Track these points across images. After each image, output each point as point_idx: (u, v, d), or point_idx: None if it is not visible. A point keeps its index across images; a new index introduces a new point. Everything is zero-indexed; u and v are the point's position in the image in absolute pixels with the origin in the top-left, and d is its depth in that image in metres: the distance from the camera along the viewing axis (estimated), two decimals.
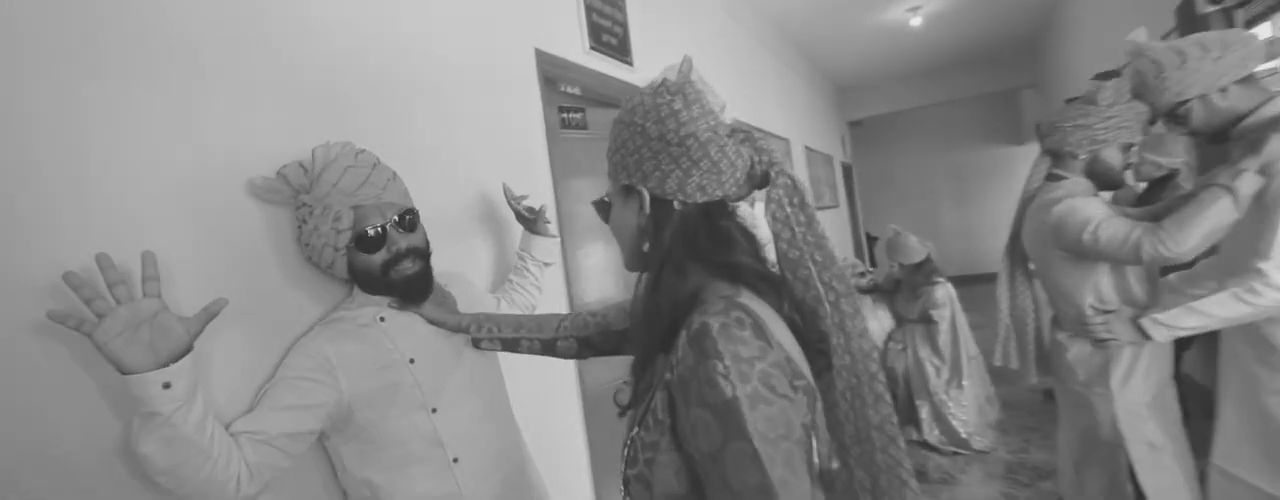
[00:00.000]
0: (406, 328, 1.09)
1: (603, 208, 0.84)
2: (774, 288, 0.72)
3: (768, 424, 0.59)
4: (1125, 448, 1.50)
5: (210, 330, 0.93)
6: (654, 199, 0.74)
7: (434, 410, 1.06)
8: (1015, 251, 1.77)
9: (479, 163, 1.58)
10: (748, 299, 0.68)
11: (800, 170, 5.04)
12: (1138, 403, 1.51)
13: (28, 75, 0.81)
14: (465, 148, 1.54)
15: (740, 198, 0.77)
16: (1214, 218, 1.30)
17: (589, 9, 2.16)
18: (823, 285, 0.72)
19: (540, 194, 1.78)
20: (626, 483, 0.71)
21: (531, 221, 1.47)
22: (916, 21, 5.08)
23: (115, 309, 0.75)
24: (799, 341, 0.70)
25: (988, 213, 8.72)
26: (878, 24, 5.22)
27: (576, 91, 2.19)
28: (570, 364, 1.87)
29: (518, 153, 1.74)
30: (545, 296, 1.73)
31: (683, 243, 0.73)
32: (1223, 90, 1.37)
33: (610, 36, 2.29)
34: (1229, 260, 1.40)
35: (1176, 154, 2.50)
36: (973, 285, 7.22)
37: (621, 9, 2.40)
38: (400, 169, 1.16)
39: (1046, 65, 6.33)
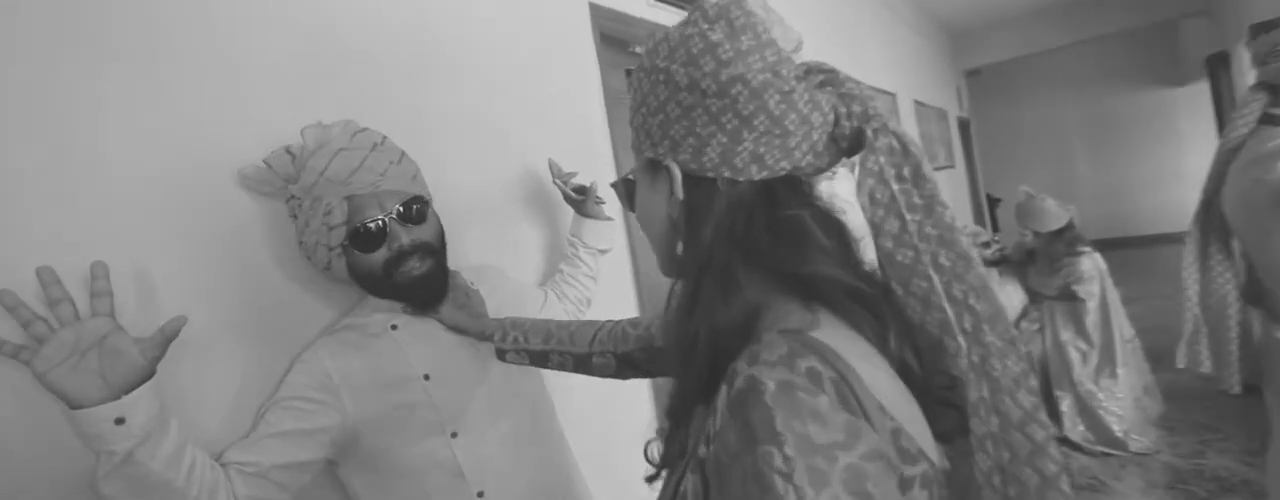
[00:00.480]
0: (423, 337, 0.92)
1: (625, 190, 0.61)
2: (874, 311, 0.46)
3: None
4: None
5: (206, 343, 0.80)
6: (687, 177, 0.50)
7: (454, 435, 0.89)
8: (1209, 220, 1.35)
9: (527, 136, 1.38)
10: (828, 332, 0.42)
11: (911, 126, 4.50)
12: None
13: None
14: (511, 119, 1.34)
15: (819, 171, 0.51)
16: None
17: None
18: (952, 304, 0.45)
19: (600, 170, 1.56)
20: None
21: (580, 202, 1.26)
22: None
23: (57, 332, 0.62)
24: (914, 393, 0.44)
25: (1137, 167, 7.58)
26: None
27: (641, 52, 1.94)
28: (644, 383, 1.66)
29: (572, 123, 1.52)
30: (610, 293, 1.53)
31: (730, 241, 0.48)
32: None
33: None
34: None
35: None
36: (1119, 250, 6.32)
37: None
38: (433, 144, 0.99)
39: None
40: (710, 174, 0.48)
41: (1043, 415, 0.45)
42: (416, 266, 0.88)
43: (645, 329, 0.82)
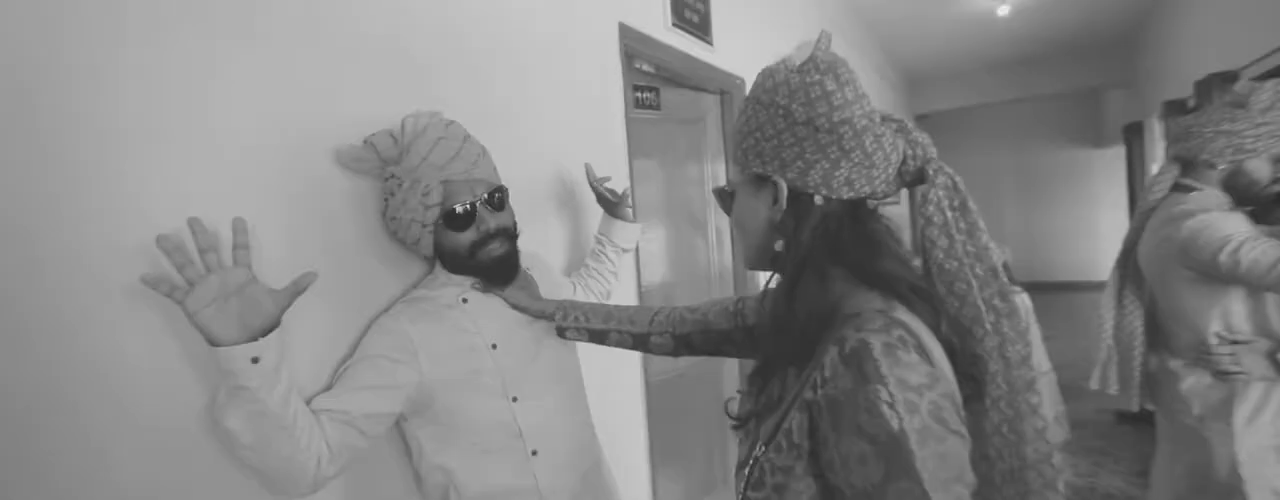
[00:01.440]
0: (489, 311, 1.04)
1: (725, 197, 0.76)
2: (930, 303, 0.63)
3: (939, 463, 0.51)
4: (1244, 493, 1.36)
5: (295, 304, 0.90)
6: (793, 192, 0.65)
7: (515, 399, 1.01)
8: (1127, 267, 1.62)
9: (560, 139, 1.51)
10: (904, 315, 0.59)
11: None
12: (1265, 446, 1.36)
13: (115, 36, 0.77)
14: (545, 122, 1.47)
15: (887, 196, 0.68)
16: None
17: None
18: (984, 303, 0.63)
19: (617, 175, 1.71)
20: (745, 494, 0.65)
21: (615, 205, 1.40)
22: (1004, 10, 4.78)
23: (206, 277, 0.72)
24: (952, 366, 0.62)
25: (1057, 219, 8.29)
26: (961, 12, 4.93)
27: (650, 70, 2.10)
28: (634, 356, 1.81)
29: (597, 130, 1.67)
30: (619, 291, 1.67)
31: (825, 244, 0.64)
32: None
33: (692, 13, 2.19)
34: None
35: None
36: (1038, 293, 6.87)
37: None
38: (485, 140, 1.10)
39: (1141, 63, 5.90)
40: (812, 191, 0.64)
41: (1037, 386, 0.64)
42: (496, 248, 1.00)
43: (702, 314, 0.97)
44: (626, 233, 1.42)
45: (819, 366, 0.57)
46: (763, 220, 0.69)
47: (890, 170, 0.65)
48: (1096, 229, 7.83)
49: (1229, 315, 1.39)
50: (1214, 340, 1.40)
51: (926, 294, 0.63)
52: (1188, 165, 1.49)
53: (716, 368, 2.64)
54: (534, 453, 1.02)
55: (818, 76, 0.63)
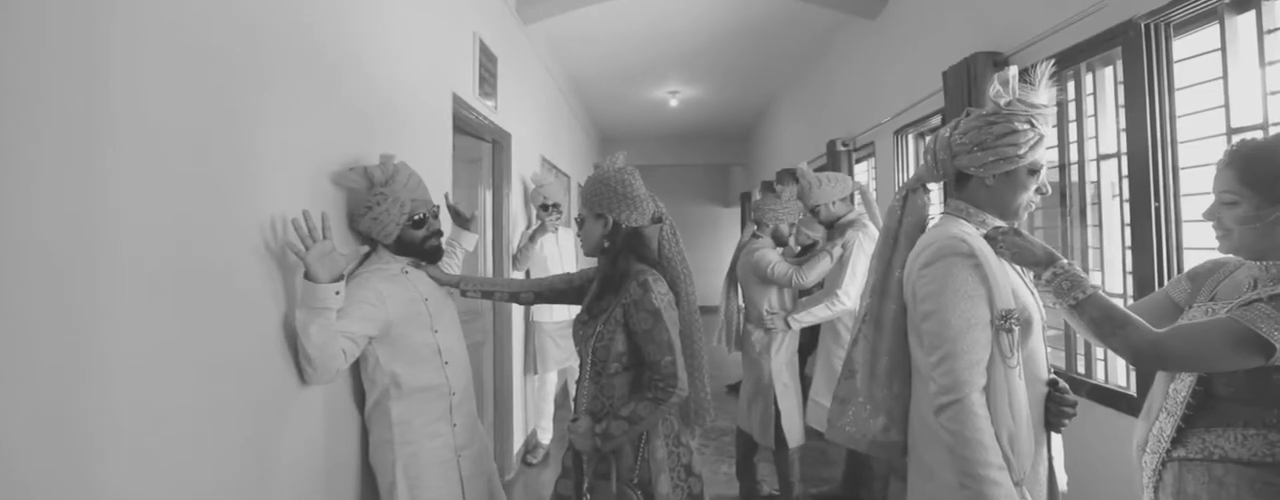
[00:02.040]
0: (420, 278, 1.75)
1: (581, 222, 1.69)
2: (663, 270, 1.65)
3: (670, 318, 1.51)
4: (774, 387, 2.76)
5: (289, 269, 1.51)
6: (614, 222, 1.61)
7: (436, 331, 1.73)
8: (732, 277, 2.99)
9: (426, 176, 2.22)
10: (655, 272, 1.60)
11: (576, 203, 6.11)
12: (781, 363, 2.79)
13: (242, 90, 1.37)
14: (416, 163, 2.17)
15: (646, 227, 1.69)
16: (823, 266, 2.63)
17: (481, 63, 2.88)
18: (682, 272, 1.67)
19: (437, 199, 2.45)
20: (594, 351, 1.56)
21: (466, 220, 2.17)
22: (674, 102, 6.61)
23: (319, 242, 1.36)
24: None
25: (700, 257, 10.91)
26: (646, 97, 6.63)
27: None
28: None
29: (438, 170, 2.40)
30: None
31: (625, 244, 1.62)
32: (833, 203, 2.74)
33: (488, 85, 3.03)
34: (825, 289, 2.76)
35: (816, 232, 4.11)
36: None
37: (494, 63, 3.15)
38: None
39: (751, 151, 8.54)
40: (621, 222, 1.60)
41: (699, 313, 1.71)
42: (435, 240, 1.73)
43: (549, 282, 1.85)
44: (470, 240, 2.19)
45: (628, 292, 1.53)
46: (599, 233, 1.63)
47: (648, 215, 1.65)
48: (722, 266, 10.60)
49: (770, 299, 2.80)
50: (765, 313, 2.80)
51: (661, 266, 1.65)
52: (759, 224, 2.91)
53: (476, 354, 3.40)
54: (447, 363, 1.74)
55: (628, 175, 1.62)
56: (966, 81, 2.46)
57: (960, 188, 1.37)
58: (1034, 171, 1.29)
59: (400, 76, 2.05)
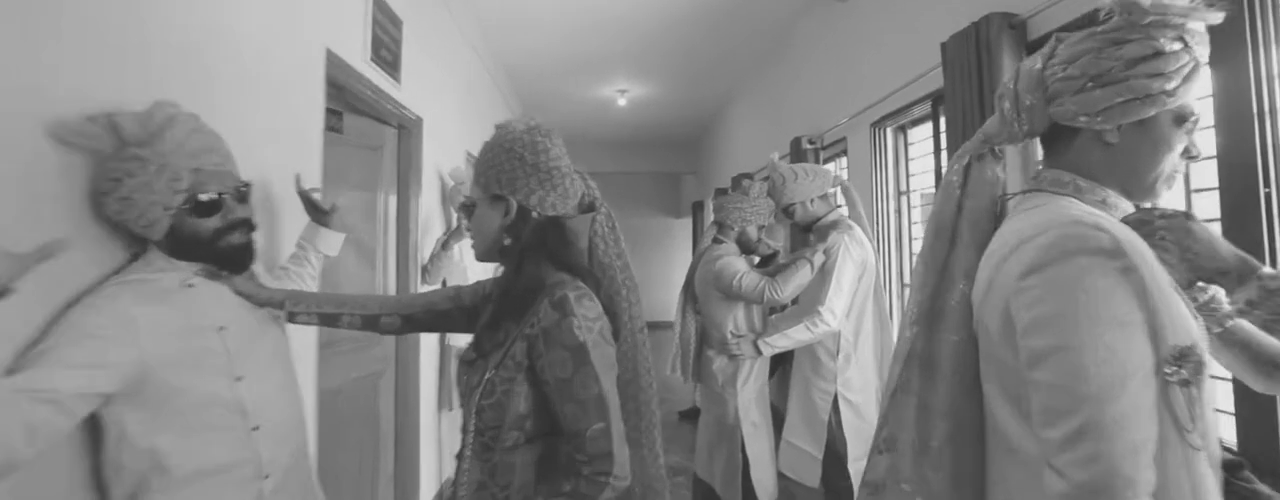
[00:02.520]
0: (216, 296, 1.12)
1: (468, 208, 1.11)
2: (594, 281, 1.08)
3: (601, 358, 0.94)
4: (740, 428, 2.22)
5: None
6: (519, 208, 1.04)
7: (239, 379, 1.10)
8: (689, 291, 2.44)
9: (264, 150, 1.59)
10: (581, 284, 1.03)
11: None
12: (749, 398, 2.25)
13: None
14: (254, 131, 1.54)
15: (572, 216, 1.12)
16: (802, 277, 2.11)
17: (375, 21, 2.27)
18: (621, 281, 1.11)
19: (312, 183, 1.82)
20: (480, 412, 0.98)
21: (324, 214, 1.55)
22: (623, 102, 6.10)
23: None
24: None
25: (649, 270, 10.39)
26: (593, 96, 6.10)
27: (336, 94, 2.25)
28: (311, 353, 1.88)
29: (297, 147, 1.77)
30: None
31: (536, 242, 1.05)
32: (811, 201, 2.24)
33: (387, 52, 2.42)
34: (803, 305, 2.24)
35: (778, 240, 3.64)
36: None
37: (398, 28, 2.55)
38: None
39: (703, 158, 8.11)
40: (530, 208, 1.04)
41: (646, 340, 1.14)
42: (238, 237, 1.11)
43: (427, 298, 1.25)
44: (331, 240, 1.57)
45: (536, 317, 0.96)
46: (496, 226, 1.06)
47: (574, 201, 1.09)
48: (672, 279, 10.12)
49: (736, 319, 2.27)
50: (730, 336, 2.26)
51: (592, 274, 1.09)
52: (721, 227, 2.38)
53: (372, 387, 2.74)
54: (256, 428, 1.11)
55: (542, 136, 1.05)
56: (976, 51, 2.01)
57: (1060, 149, 0.88)
58: (1183, 119, 0.80)
59: (233, 5, 1.43)
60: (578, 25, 4.24)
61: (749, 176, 4.06)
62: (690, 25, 4.23)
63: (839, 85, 3.55)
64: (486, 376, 0.98)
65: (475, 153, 4.15)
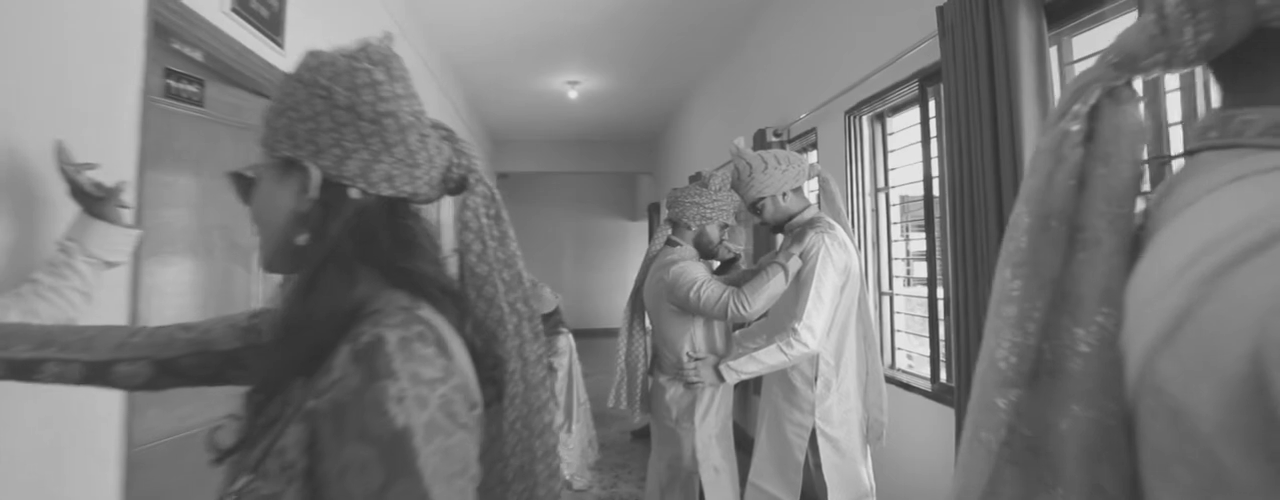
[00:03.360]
0: None
1: (242, 182, 0.66)
2: (458, 304, 0.65)
3: (442, 459, 0.50)
4: (698, 472, 1.81)
5: None
6: (326, 181, 0.61)
7: None
8: (636, 304, 2.03)
9: (17, 110, 1.10)
10: (429, 313, 0.60)
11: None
12: (710, 435, 1.85)
13: None
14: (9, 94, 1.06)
15: (429, 200, 0.69)
16: (774, 287, 1.72)
17: None
18: (507, 306, 0.69)
19: (121, 169, 1.33)
20: None
21: (99, 201, 1.07)
22: (574, 95, 5.66)
23: None
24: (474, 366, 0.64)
25: (604, 275, 9.95)
26: (541, 87, 5.64)
27: (199, 57, 1.76)
28: (116, 402, 1.38)
29: (90, 112, 1.28)
30: (96, 316, 1.26)
31: (356, 240, 0.61)
32: (784, 195, 1.85)
33: (262, 5, 1.93)
34: (774, 320, 1.85)
35: (740, 243, 3.26)
36: (585, 337, 8.03)
37: None
38: None
39: (661, 158, 7.72)
40: (348, 182, 0.60)
41: (549, 384, 0.72)
42: None
43: (201, 332, 0.78)
44: (114, 240, 1.08)
45: (328, 370, 0.53)
46: (286, 210, 0.61)
47: (434, 173, 0.66)
48: (628, 285, 9.71)
49: (694, 338, 1.87)
50: (685, 358, 1.86)
51: (456, 295, 0.66)
52: (676, 226, 1.98)
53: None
54: None
55: (368, 65, 0.61)
56: (985, 13, 1.66)
57: (1268, 75, 0.48)
58: None
59: None
60: (522, 3, 3.80)
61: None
62: (646, 5, 3.83)
63: (809, 70, 3.20)
64: (241, 486, 0.53)
65: None
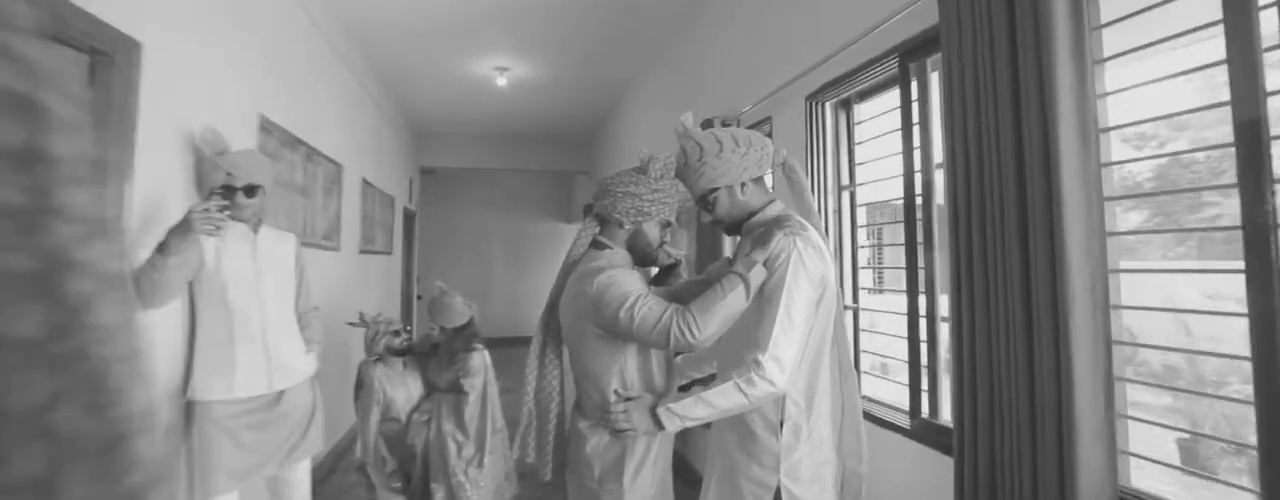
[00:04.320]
0: None
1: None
2: None
3: None
4: None
5: None
6: None
7: None
8: (550, 325, 1.56)
9: None
10: None
11: (354, 201, 4.36)
12: (645, 497, 1.40)
13: None
14: None
15: None
16: (732, 304, 1.29)
17: None
18: None
19: None
20: None
21: None
22: (502, 82, 5.13)
23: None
24: None
25: (536, 280, 9.38)
26: (466, 72, 5.08)
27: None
28: None
29: None
30: None
31: None
32: (743, 186, 1.43)
33: None
34: (731, 348, 1.42)
35: (682, 247, 2.82)
36: (516, 347, 7.45)
37: None
38: None
39: (598, 156, 7.25)
40: None
41: None
42: None
43: None
44: None
45: None
46: None
47: None
48: None
49: (625, 371, 1.42)
50: (613, 398, 1.40)
51: None
52: (604, 223, 1.52)
53: None
54: None
55: None
56: None
57: None
58: None
59: None
60: None
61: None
62: None
63: (765, 50, 2.81)
64: None
65: (281, 116, 3.05)
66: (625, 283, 1.36)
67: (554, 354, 1.55)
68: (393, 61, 4.80)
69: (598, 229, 1.53)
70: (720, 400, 1.30)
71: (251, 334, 2.04)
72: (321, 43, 3.64)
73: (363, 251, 4.58)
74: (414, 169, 7.24)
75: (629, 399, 1.40)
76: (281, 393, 2.12)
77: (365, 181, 4.65)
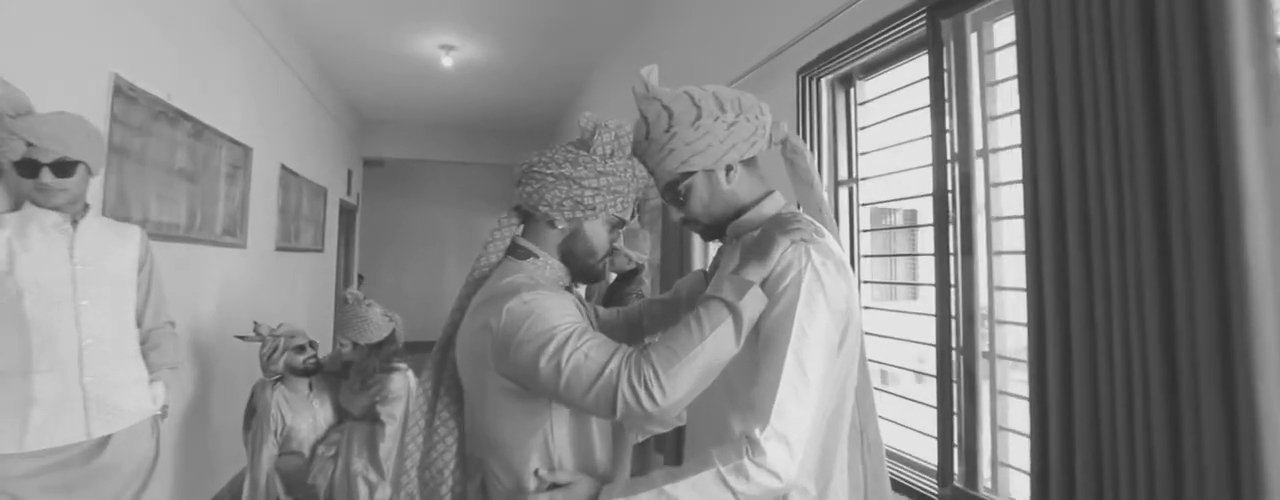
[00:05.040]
0: None
1: None
2: None
3: None
4: None
5: None
6: None
7: None
8: (441, 368, 1.07)
9: None
10: None
11: (269, 191, 3.77)
12: None
13: None
14: None
15: None
16: (715, 351, 0.83)
17: None
18: None
19: None
20: None
21: None
22: (448, 62, 4.59)
23: None
24: None
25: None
26: (408, 52, 4.53)
27: None
28: None
29: None
30: None
31: None
32: (729, 168, 0.98)
33: None
34: (711, 413, 0.96)
35: (643, 250, 2.34)
36: None
37: None
38: None
39: None
40: None
41: None
42: None
43: None
44: None
45: None
46: None
47: None
48: None
49: (551, 444, 0.94)
50: (532, 483, 0.93)
51: None
52: (528, 221, 1.05)
53: None
54: None
55: None
56: None
57: None
58: None
59: None
60: None
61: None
62: None
63: (748, 18, 2.38)
64: None
65: (153, 82, 2.43)
66: (551, 312, 0.89)
67: (450, 413, 1.06)
68: (320, 33, 4.22)
69: (518, 228, 1.05)
70: (693, 496, 0.83)
71: (59, 360, 1.51)
72: (236, 14, 3.08)
73: (281, 249, 3.99)
74: (355, 159, 6.62)
75: (557, 485, 0.92)
76: (105, 439, 1.59)
77: (285, 168, 4.06)
